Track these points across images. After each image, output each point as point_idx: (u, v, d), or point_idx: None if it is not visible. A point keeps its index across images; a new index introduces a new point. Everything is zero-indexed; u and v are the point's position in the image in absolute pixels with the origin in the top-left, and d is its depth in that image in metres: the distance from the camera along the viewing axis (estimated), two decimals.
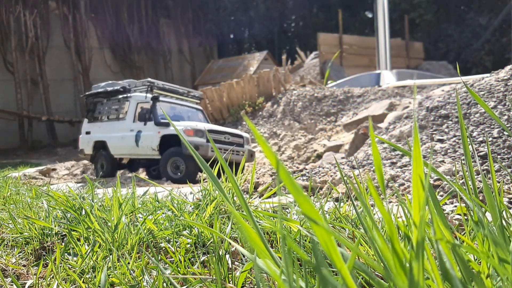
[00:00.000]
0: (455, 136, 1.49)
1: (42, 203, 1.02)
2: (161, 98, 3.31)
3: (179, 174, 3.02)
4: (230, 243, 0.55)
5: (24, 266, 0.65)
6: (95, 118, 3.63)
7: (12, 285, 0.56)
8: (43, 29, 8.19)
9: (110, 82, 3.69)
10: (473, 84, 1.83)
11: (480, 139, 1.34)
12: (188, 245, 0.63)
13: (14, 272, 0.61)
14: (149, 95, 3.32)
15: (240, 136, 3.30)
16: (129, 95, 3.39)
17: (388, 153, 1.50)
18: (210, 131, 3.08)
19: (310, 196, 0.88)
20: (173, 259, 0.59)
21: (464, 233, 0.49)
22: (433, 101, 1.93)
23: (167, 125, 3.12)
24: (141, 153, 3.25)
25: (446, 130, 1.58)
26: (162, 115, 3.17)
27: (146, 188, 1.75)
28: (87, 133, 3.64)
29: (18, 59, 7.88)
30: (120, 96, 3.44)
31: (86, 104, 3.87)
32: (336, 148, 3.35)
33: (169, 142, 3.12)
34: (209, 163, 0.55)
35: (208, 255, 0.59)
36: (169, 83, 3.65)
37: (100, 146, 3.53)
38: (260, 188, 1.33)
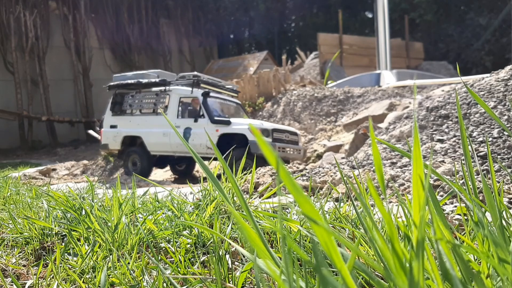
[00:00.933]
0: (455, 136, 1.49)
1: (42, 203, 1.02)
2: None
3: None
4: (230, 243, 0.55)
5: (24, 266, 0.65)
6: (122, 111, 3.40)
7: (12, 285, 0.56)
8: (43, 29, 8.20)
9: (140, 72, 3.44)
10: (473, 84, 1.84)
11: (480, 139, 1.34)
12: (188, 245, 0.63)
13: (14, 272, 0.61)
14: (197, 90, 3.15)
15: (296, 134, 3.25)
16: (168, 88, 3.17)
17: (388, 153, 1.50)
18: (274, 130, 3.03)
19: (310, 196, 0.88)
20: (173, 259, 0.59)
21: (464, 233, 0.49)
22: (433, 101, 1.93)
23: (225, 123, 3.00)
24: (188, 150, 3.03)
25: (446, 130, 1.58)
26: (215, 111, 3.09)
27: (146, 188, 1.75)
28: (112, 126, 3.41)
29: (18, 59, 7.88)
30: (156, 89, 3.21)
31: (113, 96, 3.49)
32: (336, 148, 3.35)
33: (226, 141, 2.97)
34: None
35: (208, 255, 0.59)
36: (211, 77, 3.48)
37: (130, 142, 3.35)
38: (260, 188, 1.33)
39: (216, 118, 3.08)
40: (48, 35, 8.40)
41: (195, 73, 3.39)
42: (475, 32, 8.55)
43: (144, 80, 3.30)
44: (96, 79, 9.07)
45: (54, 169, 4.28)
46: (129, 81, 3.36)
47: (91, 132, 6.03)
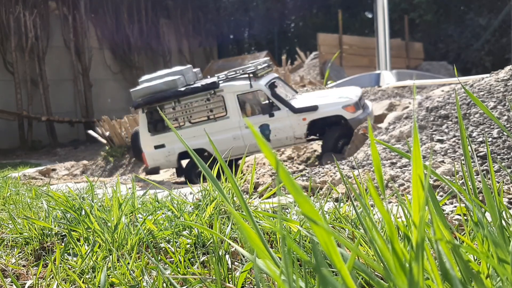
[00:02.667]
0: (455, 136, 1.49)
1: (42, 203, 1.02)
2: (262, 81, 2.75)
3: (343, 151, 2.73)
4: (230, 244, 0.55)
5: (24, 266, 0.64)
6: (165, 128, 2.90)
7: (11, 285, 0.55)
8: (43, 29, 8.19)
9: (166, 80, 2.80)
10: (472, 84, 1.84)
11: (480, 139, 1.34)
12: (188, 246, 0.63)
13: (13, 272, 0.61)
14: (257, 82, 2.74)
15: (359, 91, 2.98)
16: (219, 88, 2.76)
17: (388, 153, 1.50)
18: (360, 98, 2.79)
19: (310, 197, 0.88)
20: (173, 259, 0.59)
21: (464, 234, 0.49)
22: (433, 102, 1.93)
23: (311, 109, 2.73)
24: (272, 146, 2.75)
25: (446, 130, 1.58)
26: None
27: (146, 188, 1.74)
28: (158, 146, 2.92)
29: (18, 59, 7.87)
30: (201, 93, 2.78)
31: (147, 116, 2.89)
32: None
33: (317, 126, 2.79)
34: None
35: (208, 256, 0.59)
36: (256, 61, 3.09)
37: (188, 156, 2.90)
38: (260, 189, 1.33)
39: (298, 107, 2.76)
40: (48, 35, 8.39)
41: (250, 65, 2.94)
42: (475, 33, 8.56)
43: (183, 88, 2.81)
44: (96, 79, 9.06)
45: (54, 169, 4.27)
46: (163, 94, 2.81)
47: (91, 132, 6.02)
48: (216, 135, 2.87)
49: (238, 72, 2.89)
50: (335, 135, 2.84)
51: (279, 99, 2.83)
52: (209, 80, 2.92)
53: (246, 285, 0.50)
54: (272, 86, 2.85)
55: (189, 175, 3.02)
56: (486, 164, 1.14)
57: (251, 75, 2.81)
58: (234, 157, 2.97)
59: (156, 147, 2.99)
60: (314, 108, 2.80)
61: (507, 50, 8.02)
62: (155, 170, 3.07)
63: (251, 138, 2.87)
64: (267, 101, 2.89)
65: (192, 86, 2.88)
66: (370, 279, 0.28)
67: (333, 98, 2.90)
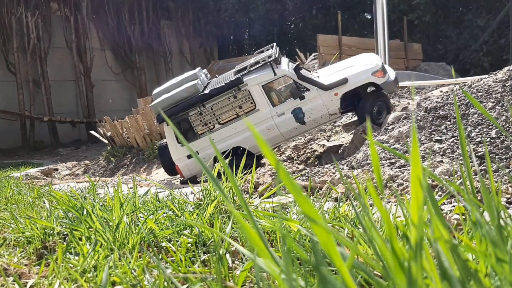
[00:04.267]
0: (453, 136, 1.49)
1: (44, 203, 1.02)
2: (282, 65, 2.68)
3: (380, 118, 2.72)
4: (230, 243, 0.55)
5: (26, 265, 0.65)
6: (196, 135, 2.76)
7: (14, 284, 0.56)
8: (45, 30, 8.22)
9: (186, 87, 2.67)
10: (471, 85, 1.84)
11: (478, 139, 1.34)
12: (189, 245, 0.63)
13: (16, 271, 0.61)
14: (283, 69, 2.67)
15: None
16: (243, 84, 2.66)
17: (387, 153, 1.50)
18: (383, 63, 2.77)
19: (310, 196, 0.88)
20: (174, 258, 0.59)
21: (463, 233, 0.49)
22: (432, 102, 1.93)
23: (341, 82, 2.68)
24: (309, 128, 2.81)
25: (445, 130, 1.58)
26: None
27: (147, 188, 1.75)
28: (191, 156, 2.76)
29: (20, 60, 7.90)
30: (227, 92, 2.67)
31: (175, 125, 2.54)
32: (335, 149, 3.34)
33: (350, 97, 2.76)
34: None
35: (208, 254, 0.59)
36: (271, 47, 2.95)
37: (226, 157, 2.68)
38: (260, 188, 1.33)
39: (328, 83, 2.71)
40: (50, 36, 8.42)
41: (270, 53, 2.75)
42: (473, 33, 8.56)
43: (206, 91, 2.69)
44: (97, 80, 9.08)
45: (55, 169, 4.27)
46: (187, 102, 2.68)
47: (92, 132, 6.02)
48: (249, 130, 2.63)
49: (255, 63, 2.78)
50: (369, 102, 2.78)
51: (307, 80, 2.77)
52: (231, 77, 2.80)
53: (247, 284, 0.50)
54: (297, 69, 2.79)
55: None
56: (484, 164, 1.15)
57: (272, 62, 2.71)
58: (272, 146, 2.85)
59: (189, 156, 2.82)
60: (344, 81, 2.74)
61: (506, 51, 8.01)
62: (192, 180, 2.84)
63: (285, 125, 2.77)
64: (293, 85, 2.80)
65: (216, 87, 2.75)
66: (370, 278, 0.28)
67: (359, 67, 2.82)
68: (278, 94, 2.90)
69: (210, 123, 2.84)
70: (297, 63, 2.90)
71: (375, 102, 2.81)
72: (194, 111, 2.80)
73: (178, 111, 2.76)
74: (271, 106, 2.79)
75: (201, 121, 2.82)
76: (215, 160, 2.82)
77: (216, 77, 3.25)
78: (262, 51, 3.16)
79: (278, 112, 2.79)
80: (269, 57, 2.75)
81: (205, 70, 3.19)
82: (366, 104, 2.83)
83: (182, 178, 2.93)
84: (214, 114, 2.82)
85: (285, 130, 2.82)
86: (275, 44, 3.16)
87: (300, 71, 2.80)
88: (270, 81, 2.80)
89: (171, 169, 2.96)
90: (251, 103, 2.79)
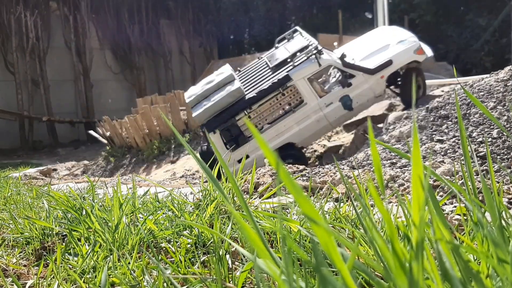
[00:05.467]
0: (454, 136, 1.49)
1: (42, 203, 1.02)
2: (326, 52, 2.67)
3: (418, 94, 2.79)
4: (230, 243, 0.55)
5: (24, 266, 0.65)
6: (246, 138, 2.63)
7: (12, 285, 0.56)
8: (44, 29, 8.21)
9: (231, 91, 2.53)
10: (472, 85, 1.84)
11: (480, 139, 1.34)
12: (189, 245, 0.63)
13: (14, 272, 0.61)
14: (327, 59, 2.64)
15: None
16: (289, 79, 2.59)
17: (388, 154, 1.50)
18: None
19: (310, 197, 0.88)
20: (173, 259, 0.59)
21: (464, 233, 0.49)
22: (433, 102, 1.93)
23: (386, 65, 2.68)
24: (355, 113, 2.81)
25: (446, 130, 1.58)
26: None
27: (147, 188, 1.75)
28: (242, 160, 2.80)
29: (19, 59, 7.89)
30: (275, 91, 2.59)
31: (221, 135, 2.60)
32: (336, 149, 3.34)
33: (394, 78, 2.80)
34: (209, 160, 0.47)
35: (208, 255, 0.59)
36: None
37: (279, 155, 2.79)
38: (260, 188, 1.33)
39: (374, 67, 2.70)
40: (49, 35, 8.41)
41: (317, 46, 2.66)
42: (474, 33, 8.56)
43: (251, 94, 2.58)
44: (96, 79, 9.07)
45: (54, 169, 4.27)
46: (236, 107, 2.57)
47: (91, 132, 6.01)
48: (299, 124, 2.72)
49: (298, 57, 2.69)
50: (412, 79, 2.79)
51: (352, 67, 2.75)
52: (272, 74, 2.70)
53: (247, 285, 0.50)
54: (343, 56, 2.75)
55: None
56: (486, 164, 1.14)
57: (317, 54, 2.66)
58: (319, 138, 2.87)
59: (239, 161, 2.74)
60: (389, 63, 2.74)
61: (507, 50, 8.01)
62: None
63: (334, 114, 2.75)
64: (337, 73, 2.81)
65: (264, 88, 2.65)
66: (370, 278, 0.28)
67: (398, 46, 2.82)
68: (319, 84, 2.88)
69: (259, 124, 2.76)
70: (343, 53, 2.78)
71: (419, 79, 2.83)
72: (242, 115, 2.70)
73: (228, 117, 2.65)
74: (318, 98, 2.73)
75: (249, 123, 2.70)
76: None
77: (239, 70, 3.07)
78: (284, 38, 3.09)
79: (326, 103, 2.74)
80: (315, 48, 2.67)
81: (227, 65, 3.05)
82: (409, 82, 2.82)
83: None
84: (262, 115, 2.74)
85: (333, 119, 2.80)
86: (298, 28, 3.09)
87: (345, 59, 2.75)
88: (315, 72, 2.73)
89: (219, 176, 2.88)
90: (299, 98, 2.72)
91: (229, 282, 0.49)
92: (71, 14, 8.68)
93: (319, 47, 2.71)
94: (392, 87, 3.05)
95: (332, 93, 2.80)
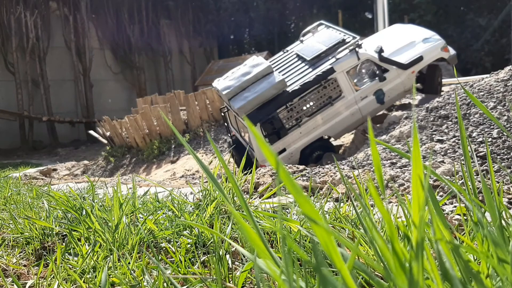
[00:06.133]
0: (454, 136, 1.49)
1: (42, 203, 1.02)
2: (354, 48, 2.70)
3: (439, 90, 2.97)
4: (230, 243, 0.55)
5: (24, 266, 0.65)
6: (285, 131, 2.65)
7: (13, 285, 0.56)
8: (43, 29, 8.22)
9: (275, 84, 2.51)
10: (472, 84, 1.84)
11: (480, 139, 1.34)
12: (189, 245, 0.63)
13: (14, 272, 0.61)
14: (366, 53, 2.70)
15: None
16: (331, 71, 2.62)
17: (388, 154, 1.50)
18: None
19: (310, 197, 0.88)
20: (173, 259, 0.59)
21: (464, 233, 0.49)
22: (433, 102, 1.93)
23: (417, 61, 2.77)
24: (385, 107, 2.88)
25: (446, 130, 1.58)
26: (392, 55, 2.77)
27: (147, 188, 1.75)
28: (280, 152, 2.71)
29: (19, 59, 7.90)
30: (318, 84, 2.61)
31: (262, 128, 2.58)
32: (336, 149, 3.35)
33: (422, 74, 2.96)
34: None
35: (208, 255, 0.59)
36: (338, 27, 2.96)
37: (311, 150, 2.71)
38: (260, 188, 1.33)
39: (407, 62, 2.76)
40: (49, 35, 8.41)
41: (357, 42, 2.72)
42: (474, 33, 8.56)
43: (296, 88, 2.58)
44: (96, 79, 9.07)
45: (54, 169, 4.27)
46: (282, 99, 2.56)
47: (91, 132, 6.01)
48: (335, 117, 2.76)
49: (339, 51, 2.73)
50: (436, 74, 2.97)
51: (387, 61, 2.80)
52: (323, 68, 2.72)
53: (247, 285, 0.50)
54: (381, 51, 2.80)
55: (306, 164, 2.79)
56: (486, 164, 1.14)
57: (356, 48, 2.72)
58: (349, 131, 2.89)
59: (278, 154, 2.74)
60: (420, 59, 2.81)
61: (507, 50, 8.00)
62: None
63: (368, 107, 2.81)
64: (371, 67, 2.86)
65: (309, 80, 2.66)
66: (370, 278, 0.28)
67: (424, 44, 2.89)
68: (377, 73, 2.91)
69: (299, 117, 2.75)
70: (379, 47, 2.84)
71: (439, 75, 3.01)
72: (283, 108, 2.69)
73: (274, 109, 2.62)
74: (354, 92, 2.79)
75: (290, 117, 2.74)
76: (302, 153, 2.76)
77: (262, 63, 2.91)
78: (309, 31, 3.11)
79: (362, 96, 2.80)
80: (356, 42, 2.73)
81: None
82: (433, 77, 3.00)
83: None
84: (302, 108, 2.76)
85: (366, 113, 2.85)
86: (323, 22, 3.13)
87: (382, 53, 2.80)
88: (354, 66, 2.77)
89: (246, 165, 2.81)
90: (338, 91, 2.76)
91: (229, 282, 0.49)
92: (71, 14, 8.68)
93: (360, 41, 2.76)
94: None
95: (367, 87, 2.83)
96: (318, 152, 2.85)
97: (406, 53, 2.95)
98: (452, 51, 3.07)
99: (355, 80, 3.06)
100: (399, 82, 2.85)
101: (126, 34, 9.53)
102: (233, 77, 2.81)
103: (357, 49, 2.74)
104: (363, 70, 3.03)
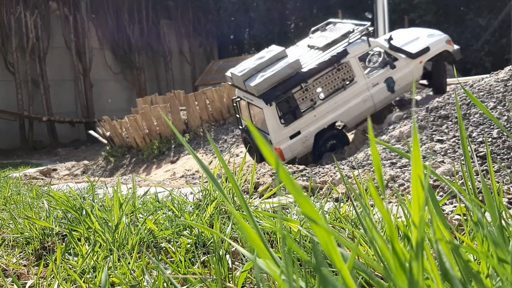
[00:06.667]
0: (454, 136, 1.49)
1: (42, 203, 1.02)
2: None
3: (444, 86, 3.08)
4: (230, 243, 0.55)
5: (24, 266, 0.65)
6: (299, 114, 2.65)
7: (12, 285, 0.56)
8: (43, 29, 8.22)
9: (290, 63, 2.54)
10: (472, 85, 1.84)
11: (480, 139, 1.34)
12: (189, 245, 0.63)
13: (14, 272, 0.61)
14: (376, 40, 2.86)
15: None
16: (344, 55, 2.68)
17: (388, 154, 1.50)
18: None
19: (310, 197, 0.88)
20: (173, 259, 0.59)
21: (464, 233, 0.49)
22: (433, 102, 1.93)
23: (424, 51, 2.91)
24: (395, 96, 2.95)
25: (446, 130, 1.58)
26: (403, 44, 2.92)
27: (147, 188, 1.75)
28: (294, 135, 2.67)
29: (19, 59, 7.90)
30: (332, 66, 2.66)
31: (278, 107, 2.59)
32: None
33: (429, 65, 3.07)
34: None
35: (208, 255, 0.59)
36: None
37: (326, 135, 2.74)
38: (260, 188, 1.33)
39: (415, 52, 2.89)
40: (49, 35, 8.41)
41: (368, 28, 2.81)
42: (474, 33, 8.56)
43: (311, 67, 2.62)
44: (96, 79, 9.07)
45: (54, 169, 4.27)
46: (297, 78, 2.57)
47: (91, 132, 6.01)
48: (348, 103, 2.81)
49: (351, 36, 2.81)
50: (442, 71, 3.14)
51: (396, 49, 2.90)
52: (337, 49, 2.77)
53: (247, 285, 0.50)
54: (390, 38, 2.92)
55: (321, 155, 2.83)
56: (486, 164, 1.14)
57: (368, 34, 2.82)
58: (360, 121, 2.93)
59: (292, 136, 2.72)
60: (427, 50, 2.94)
61: (507, 50, 8.01)
62: (291, 162, 2.70)
63: (379, 95, 2.85)
64: (376, 56, 2.99)
65: (322, 61, 2.71)
66: (370, 278, 0.28)
67: (431, 38, 3.05)
68: (387, 60, 3.01)
69: (313, 99, 2.76)
70: (389, 35, 3.00)
71: (444, 71, 3.18)
72: (298, 88, 2.68)
73: (290, 87, 2.62)
74: (366, 78, 2.86)
75: (305, 98, 2.76)
76: (316, 137, 2.78)
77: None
78: (318, 29, 3.26)
79: (373, 83, 2.87)
80: (367, 27, 2.83)
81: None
82: (440, 74, 3.18)
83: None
84: (316, 90, 2.78)
85: (378, 100, 2.92)
86: (332, 19, 3.27)
87: (392, 42, 2.90)
88: (365, 52, 2.86)
89: (260, 154, 2.79)
90: (351, 75, 2.81)
91: (229, 282, 0.49)
92: (71, 14, 8.68)
93: (370, 28, 2.85)
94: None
95: (378, 74, 2.90)
96: (332, 142, 2.86)
97: (413, 44, 3.09)
98: (456, 46, 3.23)
99: (365, 72, 3.11)
100: (408, 71, 2.91)
101: (126, 34, 9.53)
102: (248, 63, 2.89)
103: (369, 36, 2.84)
104: (372, 62, 3.11)
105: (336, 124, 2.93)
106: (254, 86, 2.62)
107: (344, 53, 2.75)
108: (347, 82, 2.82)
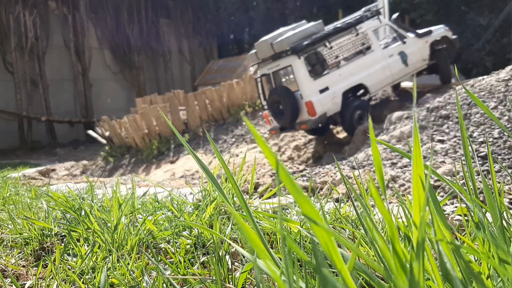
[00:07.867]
0: (455, 136, 1.49)
1: (41, 203, 1.02)
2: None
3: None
4: (230, 244, 0.55)
5: (23, 266, 0.64)
6: (325, 69, 2.96)
7: (11, 285, 0.55)
8: (42, 29, 8.20)
9: (315, 24, 3.04)
10: (473, 84, 1.84)
11: (481, 139, 1.34)
12: (188, 246, 0.63)
13: (13, 272, 0.61)
14: (385, 19, 3.37)
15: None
16: (360, 26, 3.16)
17: (389, 154, 1.50)
18: None
19: (310, 197, 0.88)
20: (173, 259, 0.59)
21: (465, 234, 0.49)
22: (434, 102, 1.93)
23: (427, 33, 3.39)
24: (409, 71, 3.32)
25: (447, 130, 1.58)
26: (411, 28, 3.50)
27: (146, 188, 1.75)
28: (323, 90, 2.90)
29: (17, 59, 7.88)
30: (346, 32, 3.08)
31: (307, 60, 2.86)
32: (336, 148, 3.37)
33: (434, 47, 3.47)
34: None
35: (208, 256, 0.59)
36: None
37: (353, 94, 3.07)
38: (260, 189, 1.33)
39: (420, 32, 3.40)
40: (48, 35, 8.39)
41: (377, 7, 3.43)
42: (475, 32, 8.56)
43: (338, 25, 3.16)
44: (95, 79, 9.06)
45: (53, 170, 4.26)
46: (322, 34, 2.95)
47: (90, 132, 6.01)
48: (369, 68, 3.19)
49: (366, 12, 3.31)
50: (447, 58, 3.58)
51: (404, 28, 3.44)
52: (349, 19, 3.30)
53: (247, 286, 0.50)
54: (398, 17, 3.48)
55: (352, 126, 3.06)
56: (487, 164, 1.14)
57: (378, 14, 3.30)
58: (381, 89, 3.31)
59: (321, 91, 2.95)
60: (430, 32, 3.48)
61: (508, 50, 8.00)
62: (322, 119, 2.86)
63: (395, 65, 3.23)
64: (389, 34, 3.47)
65: (340, 25, 3.16)
66: (371, 279, 0.28)
67: (432, 27, 3.61)
68: (399, 34, 3.42)
69: (337, 57, 3.12)
70: (397, 14, 3.51)
71: (450, 56, 3.61)
72: (323, 47, 3.06)
73: (316, 41, 2.97)
74: (381, 49, 3.29)
75: (329, 55, 3.10)
76: (344, 95, 3.07)
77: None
78: (359, 17, 3.70)
79: (389, 53, 3.29)
80: (377, 9, 3.39)
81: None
82: (444, 58, 3.61)
83: (312, 118, 2.96)
84: (340, 50, 3.13)
85: (395, 71, 3.25)
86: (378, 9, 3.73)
87: (399, 20, 3.47)
88: (377, 27, 3.38)
89: (295, 114, 2.97)
90: (368, 44, 3.25)
91: (229, 283, 0.48)
92: (70, 14, 8.65)
93: (380, 8, 3.43)
94: (425, 72, 3.65)
95: (392, 47, 3.34)
96: (359, 112, 3.14)
97: (417, 31, 3.54)
98: (453, 36, 3.68)
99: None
100: (416, 49, 3.36)
101: (125, 34, 9.51)
102: (273, 34, 3.21)
103: (379, 14, 3.32)
104: (385, 39, 3.57)
105: (359, 92, 3.21)
106: (284, 39, 2.93)
107: (360, 19, 3.19)
108: (366, 48, 3.21)
